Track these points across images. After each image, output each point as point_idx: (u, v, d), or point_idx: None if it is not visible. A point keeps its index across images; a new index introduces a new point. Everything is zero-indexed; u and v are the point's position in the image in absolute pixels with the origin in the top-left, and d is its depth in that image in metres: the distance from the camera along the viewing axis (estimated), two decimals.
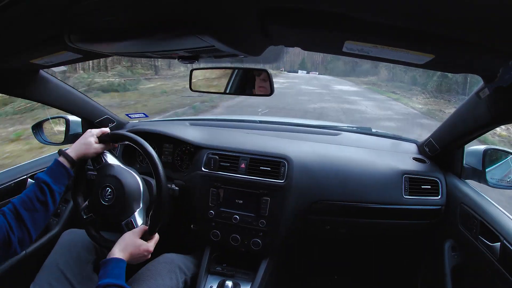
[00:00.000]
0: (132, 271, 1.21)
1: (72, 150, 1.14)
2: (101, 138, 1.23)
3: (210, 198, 1.49)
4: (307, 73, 51.28)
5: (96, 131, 1.22)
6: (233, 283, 1.41)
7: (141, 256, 1.09)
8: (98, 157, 1.25)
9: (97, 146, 1.21)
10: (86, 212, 1.26)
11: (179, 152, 1.68)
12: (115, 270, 0.97)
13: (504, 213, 1.17)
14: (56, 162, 1.09)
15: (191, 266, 1.45)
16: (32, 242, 1.00)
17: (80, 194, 1.32)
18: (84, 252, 1.29)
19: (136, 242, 1.09)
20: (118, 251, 1.03)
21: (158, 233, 1.20)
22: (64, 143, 1.79)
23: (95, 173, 1.28)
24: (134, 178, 1.24)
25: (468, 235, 1.26)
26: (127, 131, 1.61)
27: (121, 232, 1.14)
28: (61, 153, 1.12)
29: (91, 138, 1.19)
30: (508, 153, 1.40)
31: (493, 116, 1.04)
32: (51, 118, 1.86)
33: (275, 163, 1.46)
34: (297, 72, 51.82)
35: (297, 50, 0.94)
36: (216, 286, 1.42)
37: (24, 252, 1.42)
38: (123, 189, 1.18)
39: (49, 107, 1.59)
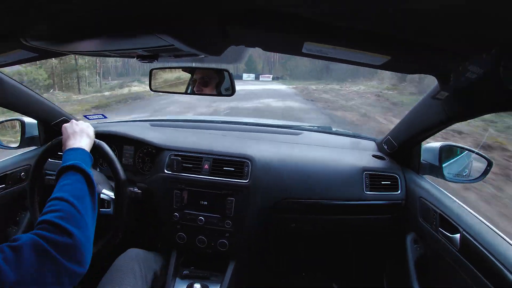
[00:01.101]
0: (102, 270, 1.20)
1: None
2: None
3: (174, 200, 1.47)
4: (255, 78, 37.82)
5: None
6: (201, 285, 1.39)
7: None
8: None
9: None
10: None
11: (140, 154, 1.64)
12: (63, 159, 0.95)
13: (461, 205, 1.22)
14: None
15: (160, 262, 1.44)
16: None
17: (36, 201, 1.25)
18: None
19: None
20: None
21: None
22: (20, 146, 1.71)
23: (53, 177, 1.23)
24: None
25: (428, 228, 1.31)
26: None
27: None
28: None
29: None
30: (463, 148, 1.46)
31: (449, 115, 1.09)
32: (5, 121, 1.76)
33: (238, 163, 1.46)
34: (241, 78, 35.99)
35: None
36: None
37: None
38: None
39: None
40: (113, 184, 1.28)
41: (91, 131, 1.14)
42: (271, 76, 40.29)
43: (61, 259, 0.65)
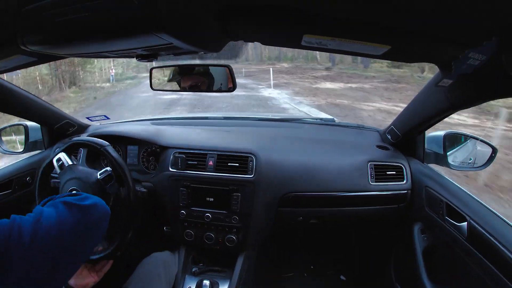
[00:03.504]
0: (127, 273, 1.22)
1: None
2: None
3: (180, 198, 1.47)
4: None
5: None
6: (210, 282, 1.40)
7: None
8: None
9: None
10: None
11: (144, 153, 1.65)
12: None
13: (468, 193, 1.21)
14: None
15: (177, 262, 1.48)
16: None
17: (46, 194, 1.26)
18: None
19: None
20: None
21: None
22: (24, 151, 1.72)
23: (59, 180, 1.23)
24: (91, 172, 1.20)
25: (435, 217, 1.30)
26: (89, 135, 1.55)
27: None
28: None
29: None
30: (467, 136, 1.46)
31: (452, 103, 1.08)
32: (9, 126, 1.77)
33: (243, 159, 1.46)
34: None
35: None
36: (195, 286, 1.41)
37: None
38: (88, 188, 1.13)
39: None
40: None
41: None
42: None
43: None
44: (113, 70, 23.45)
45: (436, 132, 1.47)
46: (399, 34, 0.69)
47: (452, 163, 1.41)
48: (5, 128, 1.77)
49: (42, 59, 1.07)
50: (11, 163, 1.67)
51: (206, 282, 1.40)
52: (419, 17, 0.61)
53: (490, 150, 1.36)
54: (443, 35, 0.68)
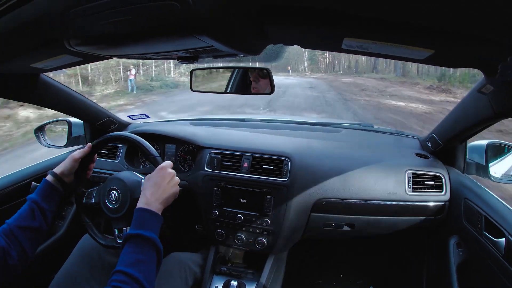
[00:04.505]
0: None
1: (59, 167, 1.12)
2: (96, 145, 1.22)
3: (213, 198, 1.49)
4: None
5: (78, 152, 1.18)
6: (238, 283, 1.41)
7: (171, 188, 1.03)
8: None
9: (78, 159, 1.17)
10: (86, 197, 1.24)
11: (181, 152, 1.68)
12: (140, 220, 0.90)
13: (508, 208, 1.16)
14: (44, 181, 1.08)
15: (200, 264, 1.47)
16: (29, 260, 0.97)
17: (81, 185, 1.28)
18: (103, 257, 1.27)
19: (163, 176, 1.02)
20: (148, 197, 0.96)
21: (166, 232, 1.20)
22: (66, 145, 1.80)
23: (97, 175, 1.28)
24: (136, 178, 1.23)
25: (473, 231, 1.25)
26: (129, 132, 1.61)
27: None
28: (49, 172, 1.11)
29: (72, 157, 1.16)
30: (511, 147, 1.39)
31: (496, 111, 1.04)
32: (53, 121, 1.86)
33: (277, 162, 1.46)
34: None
35: None
36: (222, 286, 1.42)
37: None
38: (127, 191, 1.16)
39: None
40: None
41: (175, 194, 1.06)
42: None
43: None
44: (133, 71, 15.82)
45: (479, 141, 1.42)
46: (445, 37, 0.66)
47: (493, 174, 1.36)
48: (49, 123, 1.86)
49: (87, 59, 1.10)
50: (52, 157, 1.76)
51: (234, 283, 1.41)
52: (468, 18, 0.58)
53: None
54: (491, 36, 0.65)
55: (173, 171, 1.06)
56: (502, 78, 0.82)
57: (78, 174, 1.19)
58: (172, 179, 1.04)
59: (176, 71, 25.54)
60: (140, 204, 0.94)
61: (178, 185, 1.47)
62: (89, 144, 1.19)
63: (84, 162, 1.20)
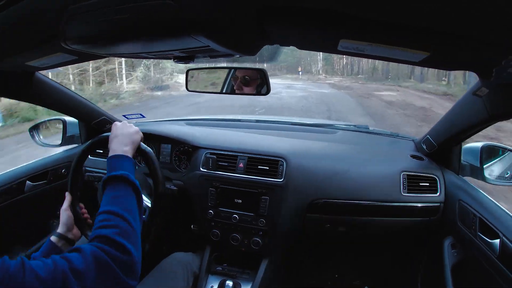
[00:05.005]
0: (145, 271, 1.21)
1: (60, 227, 1.09)
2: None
3: (209, 198, 1.49)
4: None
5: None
6: (233, 283, 1.42)
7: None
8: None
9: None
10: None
11: (177, 152, 1.68)
12: (110, 166, 0.92)
13: (502, 209, 1.17)
14: (48, 241, 1.05)
15: (198, 264, 1.48)
16: None
17: (76, 196, 1.29)
18: None
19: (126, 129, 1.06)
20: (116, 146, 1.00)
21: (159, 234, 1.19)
22: (61, 144, 1.79)
23: (92, 174, 1.27)
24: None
25: (467, 232, 1.26)
26: None
27: None
28: (53, 233, 1.08)
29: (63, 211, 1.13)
30: (506, 149, 1.40)
31: (490, 114, 1.04)
32: (48, 120, 1.85)
33: (273, 162, 1.46)
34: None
35: None
36: (217, 286, 1.43)
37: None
38: None
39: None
40: (150, 182, 1.30)
41: (138, 137, 1.10)
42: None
43: (120, 274, 0.68)
44: None
45: (473, 143, 1.42)
46: (440, 40, 0.67)
47: (488, 176, 1.36)
48: (44, 122, 1.85)
49: (82, 57, 1.09)
50: (48, 156, 1.75)
51: (229, 283, 1.41)
52: (464, 20, 0.58)
53: None
54: (486, 38, 0.65)
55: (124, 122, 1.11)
56: (497, 81, 0.82)
57: (78, 221, 1.17)
58: (124, 125, 1.08)
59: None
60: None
61: (174, 185, 1.48)
62: (67, 193, 1.16)
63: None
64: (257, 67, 1.30)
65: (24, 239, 1.62)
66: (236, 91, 1.31)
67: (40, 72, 1.34)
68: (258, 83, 1.27)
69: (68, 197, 1.14)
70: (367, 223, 1.48)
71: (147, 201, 1.27)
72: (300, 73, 33.23)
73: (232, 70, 1.34)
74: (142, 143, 1.18)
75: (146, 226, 1.19)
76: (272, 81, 1.25)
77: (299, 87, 18.88)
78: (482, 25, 0.59)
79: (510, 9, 0.51)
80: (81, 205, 1.19)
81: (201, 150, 1.57)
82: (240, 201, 1.47)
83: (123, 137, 1.03)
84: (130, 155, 0.99)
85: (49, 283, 0.59)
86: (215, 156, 1.51)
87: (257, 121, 2.05)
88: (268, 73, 1.28)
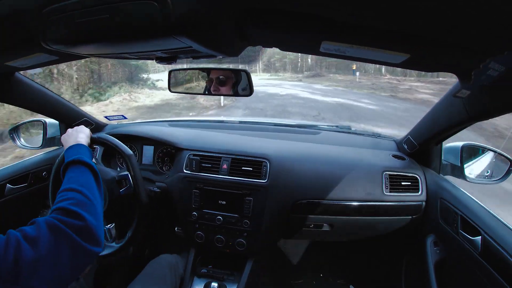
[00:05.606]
0: (133, 274, 1.22)
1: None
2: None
3: (192, 199, 1.48)
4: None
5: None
6: (219, 284, 1.41)
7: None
8: None
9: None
10: None
11: (160, 154, 1.66)
12: (66, 157, 0.99)
13: (483, 207, 1.19)
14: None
15: (184, 266, 1.48)
16: None
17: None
18: None
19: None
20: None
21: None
22: (42, 146, 1.75)
23: None
24: (112, 174, 1.23)
25: (449, 230, 1.28)
26: (106, 133, 1.58)
27: None
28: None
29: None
30: (485, 148, 1.43)
31: (469, 114, 1.06)
32: (28, 122, 1.81)
33: (256, 163, 1.46)
34: None
35: None
36: None
37: None
38: (104, 188, 1.16)
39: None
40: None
41: (84, 129, 1.19)
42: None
43: (78, 239, 0.70)
44: None
45: (454, 143, 1.45)
46: (420, 42, 0.68)
47: (468, 175, 1.39)
48: (24, 123, 1.80)
49: (63, 58, 1.07)
50: (28, 158, 1.71)
51: (214, 285, 1.41)
52: (442, 25, 0.60)
53: (508, 163, 1.34)
54: (464, 43, 0.67)
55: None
56: (476, 84, 0.83)
57: (56, 177, 1.18)
58: (74, 128, 1.19)
59: None
60: None
61: (157, 187, 1.47)
62: None
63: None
64: (239, 68, 1.30)
65: None
66: (213, 92, 1.30)
67: (20, 72, 1.32)
68: (234, 82, 1.26)
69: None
70: (350, 223, 1.49)
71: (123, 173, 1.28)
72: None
73: (212, 71, 1.33)
74: (123, 145, 1.17)
75: (133, 231, 1.18)
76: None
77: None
78: (456, 31, 0.61)
79: (483, 16, 0.52)
80: None
81: (184, 151, 1.55)
82: (224, 202, 1.46)
83: (73, 133, 1.15)
84: (84, 143, 1.09)
85: (1, 250, 0.61)
86: (198, 158, 1.50)
87: (241, 122, 2.05)
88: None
